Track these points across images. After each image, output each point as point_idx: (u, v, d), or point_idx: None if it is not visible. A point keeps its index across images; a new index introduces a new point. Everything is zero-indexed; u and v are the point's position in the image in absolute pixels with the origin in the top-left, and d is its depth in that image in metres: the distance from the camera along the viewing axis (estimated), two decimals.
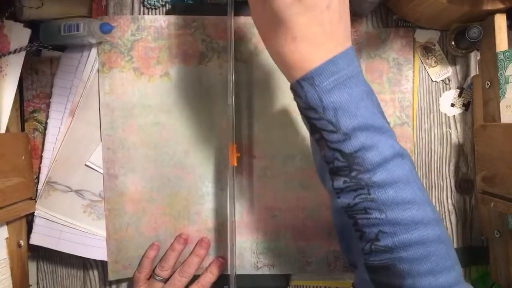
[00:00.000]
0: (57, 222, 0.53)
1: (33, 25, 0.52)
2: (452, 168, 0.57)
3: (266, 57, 0.54)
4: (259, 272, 0.55)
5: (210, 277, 0.54)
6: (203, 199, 0.55)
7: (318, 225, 0.55)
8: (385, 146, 0.35)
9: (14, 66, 0.50)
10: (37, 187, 0.54)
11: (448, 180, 0.57)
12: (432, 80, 0.56)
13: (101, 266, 0.57)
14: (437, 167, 0.57)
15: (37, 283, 0.57)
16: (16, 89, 0.51)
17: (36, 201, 0.53)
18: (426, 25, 0.55)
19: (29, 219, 0.54)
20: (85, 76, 0.53)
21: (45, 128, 0.54)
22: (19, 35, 0.51)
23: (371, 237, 0.35)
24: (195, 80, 0.54)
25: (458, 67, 0.56)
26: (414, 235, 0.34)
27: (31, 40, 0.52)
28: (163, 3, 0.55)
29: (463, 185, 0.57)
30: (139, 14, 0.55)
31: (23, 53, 0.51)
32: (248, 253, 0.55)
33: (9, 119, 0.51)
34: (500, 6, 0.48)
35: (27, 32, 0.51)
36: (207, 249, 0.54)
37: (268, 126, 0.54)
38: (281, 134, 0.54)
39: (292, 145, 0.54)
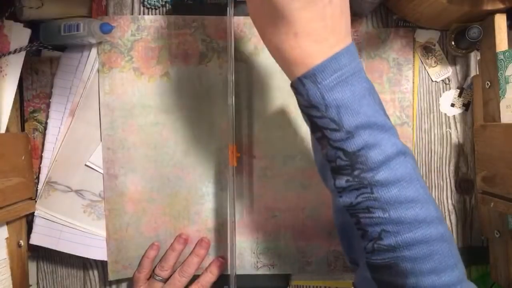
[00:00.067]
0: (57, 222, 0.53)
1: (33, 25, 0.52)
2: (452, 168, 0.57)
3: (266, 57, 0.54)
4: (259, 272, 0.55)
5: (210, 277, 0.54)
6: (203, 199, 0.55)
7: (318, 225, 0.55)
8: (388, 144, 0.34)
9: (14, 66, 0.50)
10: (37, 187, 0.54)
11: (448, 180, 0.57)
12: (432, 80, 0.56)
13: (101, 266, 0.57)
14: (437, 167, 0.57)
15: (37, 283, 0.57)
16: (16, 89, 0.51)
17: (36, 201, 0.53)
18: (426, 25, 0.55)
19: (29, 219, 0.54)
20: (85, 76, 0.53)
21: (45, 128, 0.54)
22: (19, 35, 0.51)
23: (374, 236, 0.35)
24: (195, 80, 0.54)
25: (458, 67, 0.56)
26: (418, 234, 0.34)
27: (31, 40, 0.51)
28: (163, 3, 0.55)
29: (463, 185, 0.57)
30: (139, 14, 0.55)
31: (23, 53, 0.51)
32: (248, 253, 0.55)
33: (9, 119, 0.51)
34: (500, 6, 0.48)
35: (27, 32, 0.51)
36: (207, 249, 0.54)
37: (268, 126, 0.54)
38: (281, 134, 0.54)
39: (292, 145, 0.54)
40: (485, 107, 0.50)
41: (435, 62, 0.56)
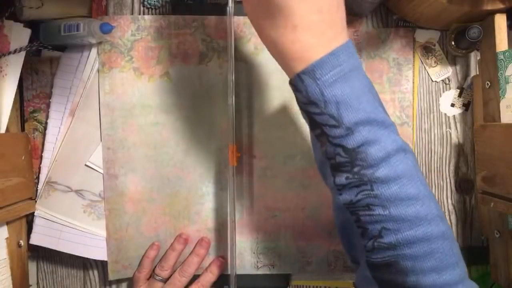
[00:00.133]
0: (57, 222, 0.53)
1: (33, 25, 0.52)
2: (452, 168, 0.57)
3: (266, 57, 0.54)
4: (259, 272, 0.55)
5: (210, 276, 0.54)
6: (203, 199, 0.55)
7: (318, 225, 0.55)
8: (388, 141, 0.34)
9: (14, 66, 0.50)
10: (37, 187, 0.54)
11: (448, 180, 0.57)
12: (432, 80, 0.56)
13: (101, 266, 0.57)
14: (437, 167, 0.57)
15: (37, 283, 0.57)
16: (16, 89, 0.51)
17: (36, 201, 0.53)
18: (426, 25, 0.55)
19: (29, 219, 0.54)
20: (85, 76, 0.53)
21: (45, 128, 0.54)
22: (19, 35, 0.51)
23: (374, 234, 0.34)
24: (195, 80, 0.54)
25: (458, 67, 0.56)
26: (418, 231, 0.33)
27: (31, 40, 0.51)
28: (163, 3, 0.55)
29: (463, 185, 0.57)
30: (139, 14, 0.55)
31: (23, 53, 0.51)
32: (248, 253, 0.55)
33: (9, 119, 0.51)
34: (500, 6, 0.48)
35: (27, 32, 0.51)
36: (207, 249, 0.54)
37: (268, 126, 0.54)
38: (281, 134, 0.54)
39: (292, 145, 0.54)
40: (485, 107, 0.50)
41: (435, 62, 0.56)
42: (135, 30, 0.53)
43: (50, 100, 0.54)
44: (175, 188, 0.54)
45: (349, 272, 0.56)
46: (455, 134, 0.56)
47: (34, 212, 0.53)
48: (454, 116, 0.56)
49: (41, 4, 0.50)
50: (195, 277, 0.54)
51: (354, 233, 0.36)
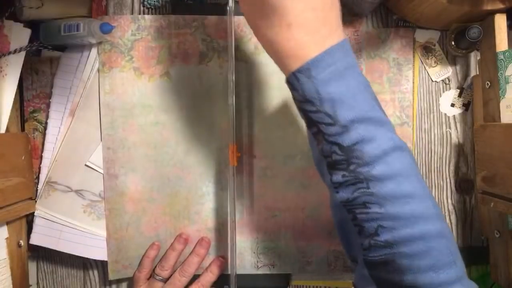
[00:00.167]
0: (57, 222, 0.53)
1: (33, 25, 0.51)
2: (452, 168, 0.57)
3: (266, 56, 0.53)
4: (259, 272, 0.55)
5: (210, 276, 0.54)
6: (203, 198, 0.55)
7: (318, 225, 0.55)
8: (384, 139, 0.34)
9: (14, 66, 0.50)
10: (37, 187, 0.54)
11: (448, 180, 0.57)
12: (432, 80, 0.56)
13: (101, 266, 0.57)
14: (437, 167, 0.57)
15: (37, 283, 0.57)
16: (16, 89, 0.51)
17: (36, 201, 0.53)
18: (426, 25, 0.55)
19: (29, 219, 0.54)
20: (85, 76, 0.53)
21: (45, 128, 0.54)
22: (19, 35, 0.50)
23: (371, 232, 0.34)
24: (195, 80, 0.54)
25: (458, 67, 0.56)
26: (415, 229, 0.33)
27: (31, 40, 0.51)
28: (163, 3, 0.55)
29: (463, 185, 0.57)
30: (139, 14, 0.54)
31: (23, 53, 0.51)
32: (248, 252, 0.55)
33: (9, 119, 0.51)
34: (500, 6, 0.48)
35: (27, 32, 0.51)
36: (207, 249, 0.54)
37: (268, 126, 0.54)
38: (281, 134, 0.54)
39: (292, 145, 0.54)
40: (485, 107, 0.50)
41: (435, 62, 0.56)
42: (135, 30, 0.53)
43: (50, 100, 0.54)
44: (175, 188, 0.54)
45: (349, 272, 0.56)
46: (455, 134, 0.56)
47: (34, 212, 0.53)
48: (454, 116, 0.56)
49: (41, 4, 0.50)
50: (195, 277, 0.54)
51: (352, 232, 0.36)
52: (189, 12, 0.54)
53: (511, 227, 0.49)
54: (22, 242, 0.52)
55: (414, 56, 0.55)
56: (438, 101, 0.56)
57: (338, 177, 0.35)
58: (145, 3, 0.54)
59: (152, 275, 0.54)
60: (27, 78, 0.54)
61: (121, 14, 0.54)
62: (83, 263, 0.57)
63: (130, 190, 0.54)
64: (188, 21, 0.54)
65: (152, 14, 0.55)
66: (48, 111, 0.54)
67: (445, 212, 0.57)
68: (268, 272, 0.55)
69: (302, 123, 0.53)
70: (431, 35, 0.55)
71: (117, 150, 0.54)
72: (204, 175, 0.54)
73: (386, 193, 0.33)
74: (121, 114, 0.53)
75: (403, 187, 0.34)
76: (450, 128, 0.56)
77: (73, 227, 0.53)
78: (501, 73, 0.47)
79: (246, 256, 0.55)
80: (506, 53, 0.46)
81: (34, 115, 0.54)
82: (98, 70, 0.53)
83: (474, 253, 0.57)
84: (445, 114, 0.56)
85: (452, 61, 0.56)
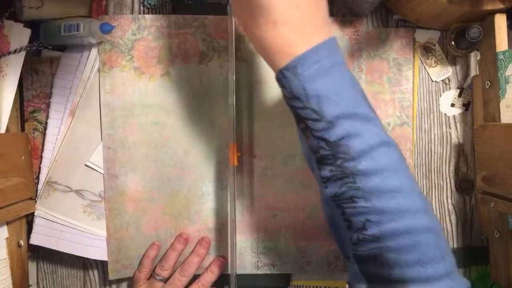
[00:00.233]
0: (57, 222, 0.53)
1: (33, 25, 0.51)
2: (452, 168, 0.57)
3: None
4: (259, 272, 0.55)
5: (210, 276, 0.54)
6: (204, 198, 0.55)
7: (318, 225, 0.55)
8: (370, 134, 0.35)
9: (14, 66, 0.50)
10: (37, 187, 0.54)
11: (448, 180, 0.57)
12: (432, 80, 0.56)
13: (101, 266, 0.57)
14: (437, 167, 0.57)
15: (37, 283, 0.56)
16: (16, 89, 0.51)
17: (36, 201, 0.53)
18: (426, 25, 0.55)
19: (29, 219, 0.54)
20: (85, 76, 0.53)
21: (45, 128, 0.54)
22: (19, 35, 0.50)
23: (359, 226, 0.35)
24: (196, 80, 0.54)
25: (458, 67, 0.56)
26: (401, 224, 0.34)
27: (31, 40, 0.51)
28: (163, 3, 0.54)
29: (463, 185, 0.57)
30: (139, 14, 0.54)
31: (23, 53, 0.51)
32: (248, 252, 0.55)
33: (9, 119, 0.51)
34: (500, 6, 0.48)
35: (27, 32, 0.51)
36: (207, 249, 0.54)
37: (268, 126, 0.54)
38: (282, 133, 0.54)
39: (292, 145, 0.54)
40: (485, 107, 0.50)
41: (435, 62, 0.56)
42: (136, 30, 0.53)
43: (50, 100, 0.54)
44: (175, 188, 0.54)
45: None
46: (455, 134, 0.57)
47: (34, 212, 0.53)
48: (454, 116, 0.56)
49: (41, 4, 0.50)
50: (195, 277, 0.54)
51: (342, 227, 0.37)
52: (190, 12, 0.54)
53: (511, 227, 0.49)
54: (22, 242, 0.52)
55: (414, 56, 0.55)
56: (438, 101, 0.56)
57: (326, 172, 0.36)
58: (145, 3, 0.54)
59: (152, 275, 0.54)
60: (27, 78, 0.54)
61: (121, 14, 0.54)
62: (83, 263, 0.57)
63: (130, 190, 0.54)
64: (189, 21, 0.54)
65: (152, 14, 0.55)
66: (48, 111, 0.54)
67: (445, 212, 0.57)
68: (268, 272, 0.55)
69: None
70: (431, 35, 0.55)
71: (117, 150, 0.54)
72: (204, 175, 0.54)
73: (372, 187, 0.34)
74: (122, 114, 0.53)
75: (389, 181, 0.34)
76: (450, 128, 0.57)
77: (73, 227, 0.53)
78: (501, 73, 0.47)
79: (246, 256, 0.55)
80: (506, 53, 0.46)
81: (34, 115, 0.54)
82: (99, 70, 0.53)
83: (474, 253, 0.57)
84: (445, 114, 0.56)
85: (452, 61, 0.56)
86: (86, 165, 0.54)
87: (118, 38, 0.53)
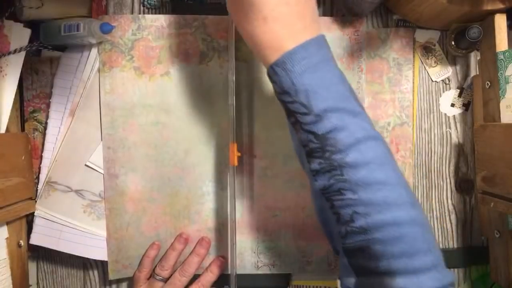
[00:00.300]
0: (57, 222, 0.53)
1: (33, 25, 0.51)
2: (452, 168, 0.57)
3: None
4: (259, 272, 0.55)
5: (210, 276, 0.54)
6: (204, 198, 0.55)
7: (318, 225, 0.55)
8: (358, 128, 0.36)
9: (14, 66, 0.50)
10: (37, 187, 0.54)
11: (448, 180, 0.57)
12: (432, 80, 0.56)
13: (101, 266, 0.57)
14: (437, 167, 0.57)
15: (37, 283, 0.56)
16: (16, 89, 0.51)
17: (36, 201, 0.53)
18: (426, 25, 0.55)
19: (29, 219, 0.54)
20: (85, 76, 0.53)
21: (45, 128, 0.54)
22: (19, 35, 0.50)
23: (347, 219, 0.36)
24: (196, 80, 0.54)
25: (458, 67, 0.56)
26: (387, 215, 0.34)
27: (31, 40, 0.51)
28: (163, 3, 0.54)
29: (463, 185, 0.57)
30: (139, 14, 0.54)
31: (23, 53, 0.51)
32: (248, 252, 0.55)
33: (9, 119, 0.51)
34: (500, 6, 0.48)
35: (27, 32, 0.51)
36: (207, 249, 0.54)
37: (268, 126, 0.54)
38: (282, 133, 0.54)
39: (292, 145, 0.54)
40: (485, 107, 0.50)
41: (435, 62, 0.56)
42: (136, 30, 0.53)
43: (50, 100, 0.54)
44: (175, 188, 0.54)
45: None
46: (455, 134, 0.57)
47: (34, 212, 0.53)
48: (454, 116, 0.56)
49: (41, 4, 0.50)
50: (195, 277, 0.54)
51: (331, 221, 0.38)
52: (190, 12, 0.54)
53: (511, 227, 0.49)
54: (22, 242, 0.52)
55: (414, 56, 0.55)
56: (438, 101, 0.56)
57: (315, 165, 0.37)
58: (145, 3, 0.54)
59: (152, 275, 0.54)
60: (27, 78, 0.54)
61: (121, 14, 0.54)
62: (83, 263, 0.57)
63: (130, 190, 0.54)
64: (189, 21, 0.54)
65: (152, 14, 0.55)
66: (48, 111, 0.54)
67: (445, 212, 0.57)
68: (268, 272, 0.55)
69: None
70: (431, 35, 0.55)
71: (117, 149, 0.54)
72: (204, 175, 0.54)
73: (359, 179, 0.35)
74: (122, 113, 0.53)
75: (376, 174, 0.35)
76: (450, 128, 0.57)
77: (73, 227, 0.53)
78: (501, 73, 0.47)
79: (246, 256, 0.55)
80: (506, 53, 0.46)
81: (34, 115, 0.54)
82: (99, 70, 0.53)
83: (474, 253, 0.57)
84: (445, 114, 0.56)
85: (452, 61, 0.56)
86: (86, 165, 0.54)
87: (118, 38, 0.53)
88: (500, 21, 0.48)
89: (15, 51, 0.50)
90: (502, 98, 0.47)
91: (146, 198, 0.54)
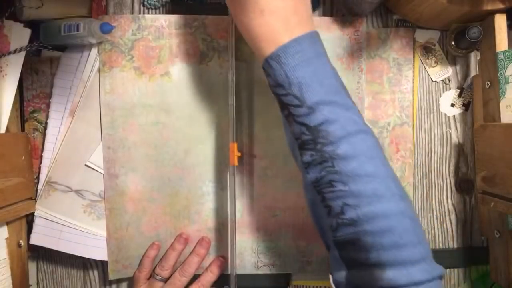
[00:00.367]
0: (57, 222, 0.53)
1: (33, 25, 0.51)
2: (452, 168, 0.57)
3: None
4: (259, 272, 0.55)
5: (210, 276, 0.54)
6: (204, 198, 0.55)
7: None
8: (349, 122, 0.37)
9: (14, 66, 0.50)
10: (37, 187, 0.54)
11: (448, 180, 0.57)
12: (432, 80, 0.56)
13: (101, 266, 0.57)
14: (437, 167, 0.57)
15: (37, 283, 0.56)
16: (16, 89, 0.51)
17: (36, 201, 0.53)
18: (426, 25, 0.55)
19: (29, 219, 0.54)
20: (85, 76, 0.53)
21: (45, 128, 0.54)
22: (19, 35, 0.50)
23: (337, 211, 0.36)
24: (196, 80, 0.54)
25: (458, 67, 0.56)
26: (377, 207, 0.35)
27: (31, 40, 0.51)
28: (163, 3, 0.55)
29: (463, 185, 0.57)
30: (139, 14, 0.54)
31: (23, 53, 0.51)
32: (248, 252, 0.55)
33: (9, 119, 0.51)
34: (500, 6, 0.48)
35: (27, 32, 0.51)
36: (207, 249, 0.54)
37: (268, 126, 0.54)
38: (282, 133, 0.54)
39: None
40: (485, 107, 0.50)
41: (435, 62, 0.56)
42: (136, 30, 0.53)
43: (50, 100, 0.54)
44: (175, 188, 0.54)
45: None
46: (455, 134, 0.57)
47: (34, 212, 0.53)
48: (454, 116, 0.56)
49: (41, 4, 0.50)
50: (195, 277, 0.54)
51: (323, 215, 0.38)
52: (190, 11, 0.54)
53: (511, 227, 0.49)
54: (22, 242, 0.52)
55: (414, 56, 0.55)
56: (438, 101, 0.56)
57: (307, 157, 0.37)
58: (145, 3, 0.54)
59: (152, 275, 0.54)
60: (27, 78, 0.54)
61: (121, 14, 0.54)
62: (83, 263, 0.57)
63: (130, 190, 0.54)
64: (189, 21, 0.54)
65: (152, 14, 0.55)
66: (48, 111, 0.54)
67: (445, 212, 0.57)
68: (268, 272, 0.55)
69: None
70: (431, 35, 0.55)
71: (117, 149, 0.54)
72: (204, 175, 0.54)
73: (349, 171, 0.36)
74: (122, 113, 0.53)
75: (366, 166, 0.36)
76: (450, 128, 0.57)
77: (73, 227, 0.53)
78: (501, 73, 0.47)
79: (246, 256, 0.55)
80: (506, 53, 0.46)
81: (34, 115, 0.54)
82: (99, 70, 0.53)
83: (474, 253, 0.57)
84: (445, 114, 0.56)
85: (452, 61, 0.56)
86: (86, 165, 0.54)
87: (118, 38, 0.53)
88: (500, 21, 0.48)
89: (15, 51, 0.50)
90: (502, 98, 0.47)
91: (146, 198, 0.54)
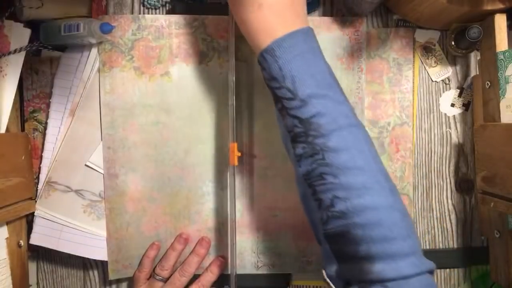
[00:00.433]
0: (57, 222, 0.53)
1: (33, 25, 0.51)
2: (452, 168, 0.57)
3: None
4: (259, 272, 0.55)
5: (210, 276, 0.54)
6: (204, 198, 0.55)
7: None
8: (340, 115, 0.38)
9: (14, 66, 0.50)
10: (37, 187, 0.54)
11: (448, 180, 0.57)
12: (432, 80, 0.56)
13: (101, 266, 0.57)
14: (437, 167, 0.57)
15: (37, 283, 0.57)
16: (16, 89, 0.51)
17: (36, 201, 0.53)
18: (426, 25, 0.55)
19: (29, 219, 0.54)
20: (85, 76, 0.53)
21: (45, 128, 0.54)
22: (19, 35, 0.50)
23: (327, 204, 0.37)
24: (196, 80, 0.54)
25: (458, 67, 0.56)
26: (367, 200, 0.35)
27: (31, 40, 0.51)
28: (163, 3, 0.55)
29: (463, 185, 0.57)
30: (139, 14, 0.54)
31: (23, 53, 0.51)
32: (248, 252, 0.55)
33: (9, 119, 0.51)
34: (500, 6, 0.48)
35: (27, 32, 0.51)
36: (207, 249, 0.54)
37: (268, 126, 0.54)
38: None
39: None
40: (485, 107, 0.50)
41: (435, 62, 0.56)
42: (136, 30, 0.53)
43: (50, 100, 0.54)
44: (175, 188, 0.54)
45: None
46: (455, 134, 0.57)
47: (34, 212, 0.53)
48: (454, 116, 0.56)
49: (41, 4, 0.50)
50: (195, 277, 0.54)
51: (314, 209, 0.38)
52: (190, 11, 0.54)
53: (511, 227, 0.49)
54: (22, 242, 0.52)
55: (414, 56, 0.55)
56: (438, 101, 0.56)
57: (299, 149, 0.38)
58: (145, 3, 0.54)
59: (152, 275, 0.54)
60: (27, 78, 0.54)
61: (121, 14, 0.54)
62: (83, 263, 0.57)
63: (131, 190, 0.54)
64: (189, 21, 0.54)
65: (152, 14, 0.55)
66: (48, 111, 0.54)
67: (445, 212, 0.57)
68: (268, 272, 0.55)
69: None
70: (431, 35, 0.55)
71: (118, 149, 0.54)
72: (204, 175, 0.54)
73: (340, 163, 0.36)
74: (122, 113, 0.53)
75: (356, 159, 0.37)
76: (450, 128, 0.57)
77: (73, 227, 0.53)
78: (501, 73, 0.47)
79: (246, 256, 0.55)
80: (506, 53, 0.46)
81: (34, 115, 0.54)
82: (99, 70, 0.53)
83: (474, 253, 0.57)
84: (445, 114, 0.56)
85: (452, 61, 0.56)
86: (86, 165, 0.54)
87: (118, 38, 0.53)
88: (500, 21, 0.48)
89: (15, 51, 0.50)
90: (502, 98, 0.47)
91: (146, 198, 0.54)
